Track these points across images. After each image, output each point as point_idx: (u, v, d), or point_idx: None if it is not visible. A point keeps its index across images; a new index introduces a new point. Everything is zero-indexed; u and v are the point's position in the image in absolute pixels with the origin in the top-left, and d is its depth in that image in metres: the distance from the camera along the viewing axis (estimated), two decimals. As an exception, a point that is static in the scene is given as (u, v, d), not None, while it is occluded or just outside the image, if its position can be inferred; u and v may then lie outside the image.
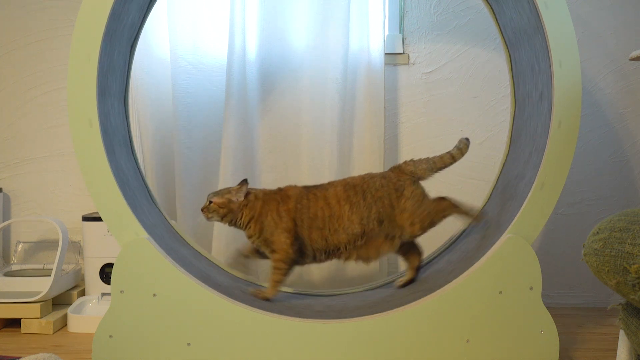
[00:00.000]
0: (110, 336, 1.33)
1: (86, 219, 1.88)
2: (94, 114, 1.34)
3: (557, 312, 1.94)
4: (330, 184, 1.53)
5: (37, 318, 1.72)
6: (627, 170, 2.06)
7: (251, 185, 1.53)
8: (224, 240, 1.91)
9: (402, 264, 2.07)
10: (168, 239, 1.49)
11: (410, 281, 1.58)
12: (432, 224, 1.48)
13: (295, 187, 1.53)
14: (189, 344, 1.33)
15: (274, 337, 1.33)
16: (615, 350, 1.21)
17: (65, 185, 2.10)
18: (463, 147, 1.53)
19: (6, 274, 1.91)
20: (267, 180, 1.99)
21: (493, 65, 2.04)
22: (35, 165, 2.10)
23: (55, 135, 2.08)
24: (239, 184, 1.50)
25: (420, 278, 1.59)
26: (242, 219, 1.48)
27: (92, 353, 1.33)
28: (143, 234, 1.35)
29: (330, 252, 1.49)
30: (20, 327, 1.73)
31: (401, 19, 2.06)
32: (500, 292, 1.33)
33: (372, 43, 1.94)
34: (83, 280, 1.97)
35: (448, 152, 1.53)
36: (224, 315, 1.33)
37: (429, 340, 1.33)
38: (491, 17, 1.66)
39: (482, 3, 1.68)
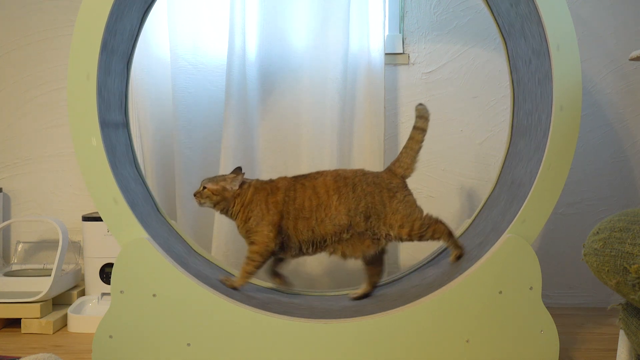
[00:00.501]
0: (110, 336, 1.33)
1: (86, 219, 1.88)
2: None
3: (557, 312, 1.94)
4: (319, 173, 1.52)
5: (37, 318, 1.72)
6: (627, 170, 2.06)
7: (251, 185, 1.53)
8: (223, 240, 1.91)
9: (402, 264, 2.07)
10: (168, 239, 1.49)
11: (365, 295, 1.57)
12: (420, 236, 1.46)
13: (285, 178, 1.52)
14: (189, 344, 1.33)
15: (274, 337, 1.33)
16: (615, 350, 1.21)
17: (65, 185, 2.10)
18: (424, 113, 1.51)
19: (6, 274, 1.91)
20: (267, 180, 1.99)
21: (493, 65, 2.04)
22: (35, 165, 2.10)
23: (55, 135, 2.08)
24: (234, 173, 1.50)
25: (422, 278, 1.59)
26: (234, 208, 1.48)
27: (92, 353, 1.33)
28: (143, 234, 1.35)
29: (316, 244, 1.48)
30: (20, 327, 1.73)
31: (401, 19, 2.06)
32: (500, 292, 1.33)
33: (372, 43, 1.94)
34: (83, 280, 1.97)
35: (414, 128, 1.51)
36: (224, 315, 1.33)
37: (429, 340, 1.33)
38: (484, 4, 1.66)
39: (482, 3, 1.68)
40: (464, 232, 1.69)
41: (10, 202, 2.10)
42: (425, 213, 1.47)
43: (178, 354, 1.33)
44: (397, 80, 2.06)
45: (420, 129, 1.51)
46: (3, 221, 2.03)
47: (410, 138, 1.52)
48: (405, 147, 1.52)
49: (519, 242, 1.33)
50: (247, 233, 1.48)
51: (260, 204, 1.46)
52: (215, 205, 1.49)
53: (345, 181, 1.47)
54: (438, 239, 1.48)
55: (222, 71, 1.95)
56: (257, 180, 1.54)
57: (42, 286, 1.77)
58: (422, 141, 1.51)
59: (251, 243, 1.47)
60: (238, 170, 1.50)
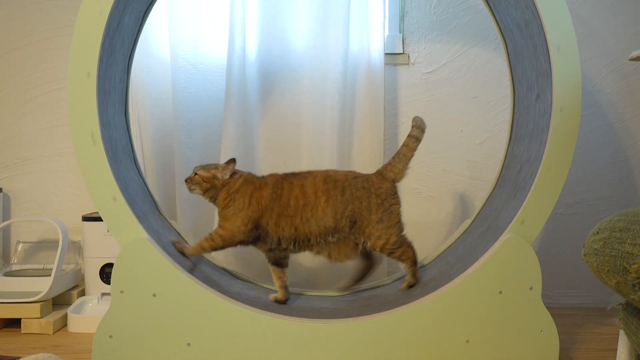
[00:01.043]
0: (110, 336, 1.33)
1: (86, 219, 1.88)
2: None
3: (557, 312, 1.94)
4: (310, 173, 1.51)
5: (37, 318, 1.72)
6: (627, 170, 2.06)
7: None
8: (223, 240, 1.91)
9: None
10: (168, 239, 1.49)
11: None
12: (390, 252, 1.46)
13: (275, 175, 1.52)
14: (189, 344, 1.33)
15: (274, 337, 1.33)
16: (615, 350, 1.21)
17: (65, 185, 2.10)
18: (420, 124, 1.51)
19: (6, 274, 1.91)
20: (267, 180, 1.99)
21: (493, 65, 2.04)
22: (35, 165, 2.10)
23: (55, 135, 2.08)
24: (226, 162, 1.50)
25: (424, 279, 1.59)
26: (220, 195, 1.48)
27: (92, 353, 1.33)
28: (143, 233, 1.35)
29: (299, 243, 1.47)
30: (20, 327, 1.73)
31: (401, 19, 2.06)
32: (500, 292, 1.33)
33: (372, 43, 1.94)
34: (83, 280, 1.97)
35: (409, 136, 1.51)
36: (224, 315, 1.33)
37: (429, 340, 1.33)
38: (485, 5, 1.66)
39: (482, 3, 1.68)
40: (464, 232, 1.69)
41: (10, 202, 2.10)
42: (403, 232, 1.48)
43: (178, 354, 1.33)
44: (397, 80, 2.06)
45: (415, 138, 1.51)
46: (3, 221, 2.03)
47: (405, 145, 1.52)
48: (398, 153, 1.52)
49: (519, 242, 1.33)
50: (221, 217, 1.47)
51: (244, 196, 1.46)
52: (204, 192, 1.49)
53: (335, 184, 1.46)
54: (402, 261, 1.49)
55: (222, 71, 1.95)
56: (250, 173, 1.53)
57: (42, 286, 1.77)
58: (415, 149, 1.51)
59: (220, 227, 1.46)
60: (231, 161, 1.50)
